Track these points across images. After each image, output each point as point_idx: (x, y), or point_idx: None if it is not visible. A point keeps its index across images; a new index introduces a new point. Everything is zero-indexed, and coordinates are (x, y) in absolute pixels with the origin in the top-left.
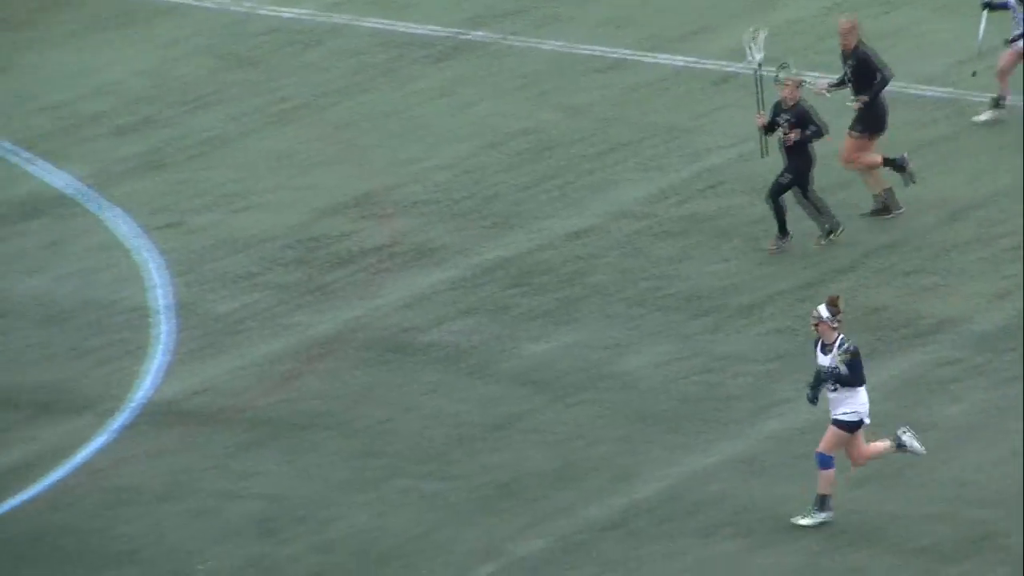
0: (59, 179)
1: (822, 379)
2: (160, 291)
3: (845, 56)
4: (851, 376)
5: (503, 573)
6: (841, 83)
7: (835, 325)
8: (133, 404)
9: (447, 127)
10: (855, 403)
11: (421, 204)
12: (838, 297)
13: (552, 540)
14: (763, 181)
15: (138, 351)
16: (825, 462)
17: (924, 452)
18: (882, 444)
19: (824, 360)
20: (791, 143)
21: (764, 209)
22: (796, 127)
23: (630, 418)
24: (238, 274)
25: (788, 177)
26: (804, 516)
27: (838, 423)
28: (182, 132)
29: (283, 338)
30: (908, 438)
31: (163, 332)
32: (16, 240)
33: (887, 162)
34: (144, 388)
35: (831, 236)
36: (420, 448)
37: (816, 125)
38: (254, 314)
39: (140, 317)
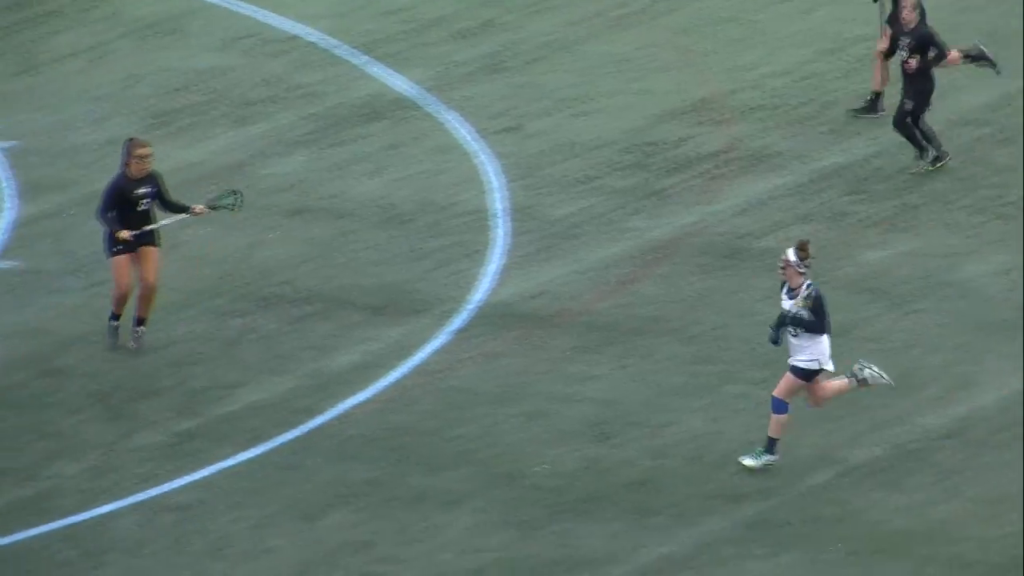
0: (399, 82)
1: (784, 323)
2: (498, 194)
3: None
4: (814, 322)
5: (838, 479)
6: None
7: (802, 270)
8: (470, 306)
9: (785, 33)
10: (815, 351)
11: (758, 110)
12: (807, 242)
13: (888, 448)
14: None
15: (475, 254)
16: (779, 407)
17: (892, 383)
18: (839, 382)
19: (787, 304)
20: (911, 70)
21: None
22: (916, 52)
23: (968, 327)
24: (575, 178)
25: (911, 104)
26: (750, 457)
27: (795, 369)
28: (522, 36)
29: (619, 243)
30: (869, 372)
31: (500, 235)
32: (356, 143)
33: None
34: (481, 291)
35: (938, 164)
36: (755, 355)
37: (937, 47)
38: (591, 218)
39: (478, 220)
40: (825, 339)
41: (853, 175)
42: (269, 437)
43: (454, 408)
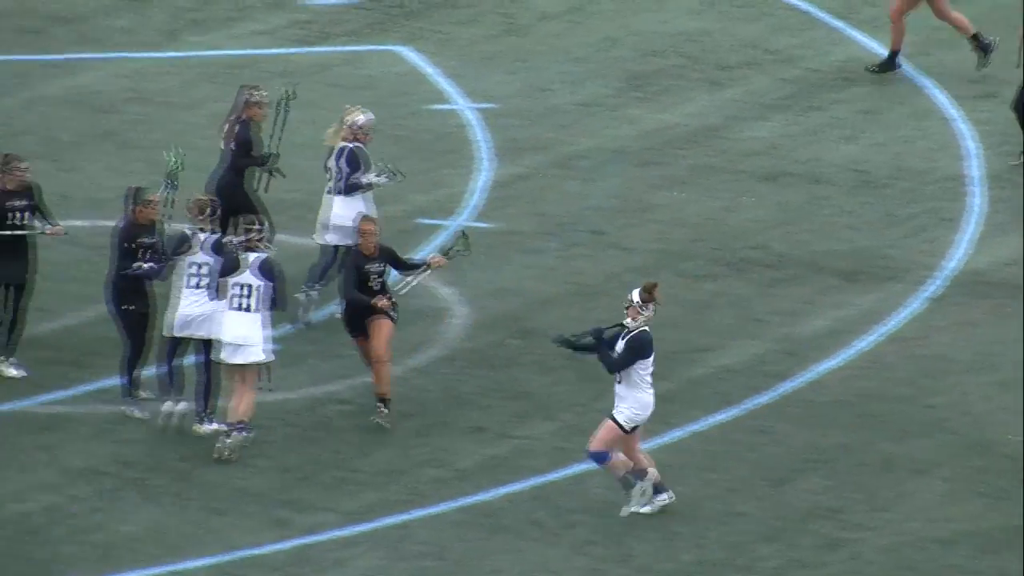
0: (876, 47)
1: (597, 346)
2: (974, 161)
3: None
4: (613, 358)
5: None
6: None
7: (644, 313)
8: (944, 274)
9: None
10: (634, 404)
11: None
12: (655, 286)
13: None
14: None
15: (950, 221)
16: (599, 459)
17: (631, 510)
18: (645, 465)
19: (621, 345)
20: None
21: None
22: None
23: None
24: None
25: None
26: (635, 505)
27: (613, 419)
28: (1004, 2)
29: None
30: (647, 487)
31: (976, 202)
32: (833, 107)
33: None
34: (955, 258)
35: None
36: None
37: None
38: None
39: (953, 187)
40: (646, 397)
41: None
42: (740, 401)
43: (927, 376)
